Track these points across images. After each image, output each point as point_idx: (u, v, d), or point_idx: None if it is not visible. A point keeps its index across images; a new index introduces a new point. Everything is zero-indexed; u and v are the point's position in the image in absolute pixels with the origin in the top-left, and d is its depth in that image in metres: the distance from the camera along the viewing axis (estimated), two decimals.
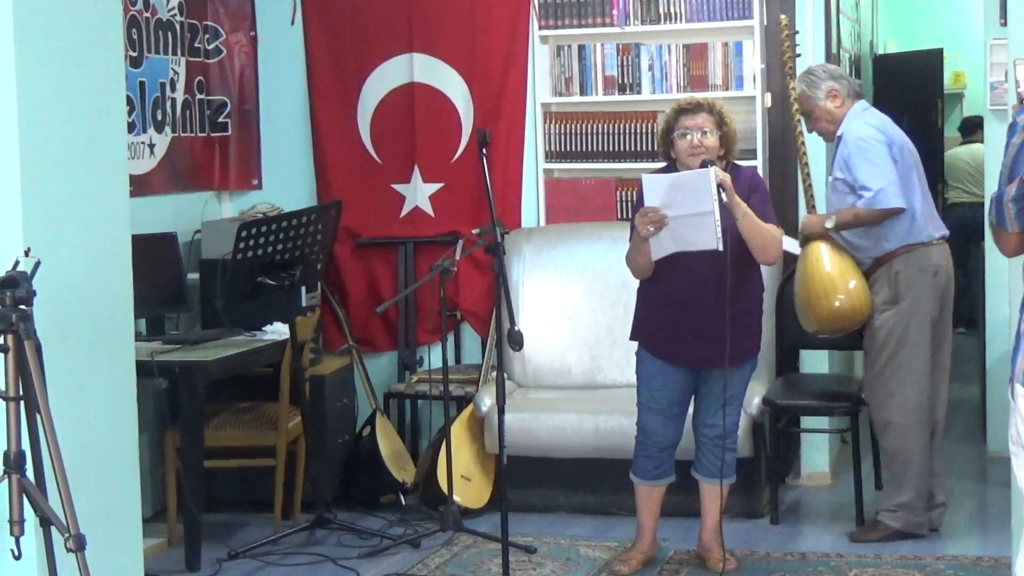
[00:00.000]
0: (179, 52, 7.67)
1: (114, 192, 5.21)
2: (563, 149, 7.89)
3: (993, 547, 6.46)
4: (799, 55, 6.98)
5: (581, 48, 7.87)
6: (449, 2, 7.96)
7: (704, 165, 5.91)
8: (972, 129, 12.36)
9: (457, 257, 7.04)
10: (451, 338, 7.95)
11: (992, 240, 4.25)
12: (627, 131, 7.77)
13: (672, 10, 7.72)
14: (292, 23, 8.18)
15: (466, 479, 7.19)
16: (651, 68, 7.77)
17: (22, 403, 4.21)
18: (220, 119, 8.04)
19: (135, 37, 7.23)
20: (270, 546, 6.73)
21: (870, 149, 6.50)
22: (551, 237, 7.78)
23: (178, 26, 7.65)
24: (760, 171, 7.41)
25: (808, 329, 6.74)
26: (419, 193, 8.06)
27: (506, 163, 7.90)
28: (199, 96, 7.85)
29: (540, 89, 7.91)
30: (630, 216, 6.28)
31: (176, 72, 7.64)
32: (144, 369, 6.02)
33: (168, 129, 7.55)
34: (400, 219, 8.09)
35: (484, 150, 6.13)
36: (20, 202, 4.66)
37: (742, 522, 6.92)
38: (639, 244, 5.99)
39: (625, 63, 7.80)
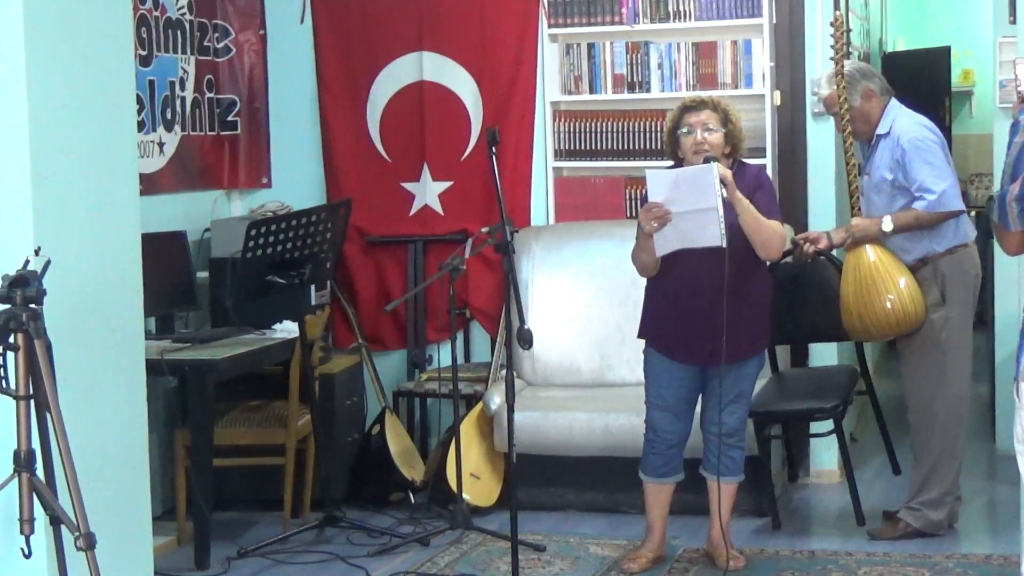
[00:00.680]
0: (189, 51, 7.68)
1: (124, 191, 5.21)
2: (573, 147, 7.89)
3: (1003, 545, 6.45)
4: (850, 54, 6.88)
5: (590, 46, 7.87)
6: (458, 0, 7.96)
7: (707, 161, 5.91)
8: None
9: (466, 255, 7.05)
10: (460, 336, 7.95)
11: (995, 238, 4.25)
12: (636, 129, 7.77)
13: (681, 8, 7.72)
14: (301, 21, 8.19)
15: (475, 477, 7.20)
16: (660, 66, 7.77)
17: (32, 402, 4.22)
18: (230, 118, 8.04)
19: (145, 36, 7.24)
20: (279, 544, 6.74)
21: (928, 150, 6.42)
22: (560, 235, 7.78)
23: (187, 25, 7.66)
24: (769, 169, 7.41)
25: (855, 335, 6.70)
26: (428, 191, 8.07)
27: (515, 161, 7.91)
28: (208, 95, 7.86)
29: (550, 87, 7.91)
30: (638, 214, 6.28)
31: (186, 71, 7.65)
32: (154, 368, 6.03)
33: (177, 128, 7.56)
34: (409, 217, 8.10)
35: (494, 148, 6.12)
36: (30, 201, 4.66)
37: (751, 520, 6.92)
38: (644, 240, 5.99)
39: (634, 61, 7.80)
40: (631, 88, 7.83)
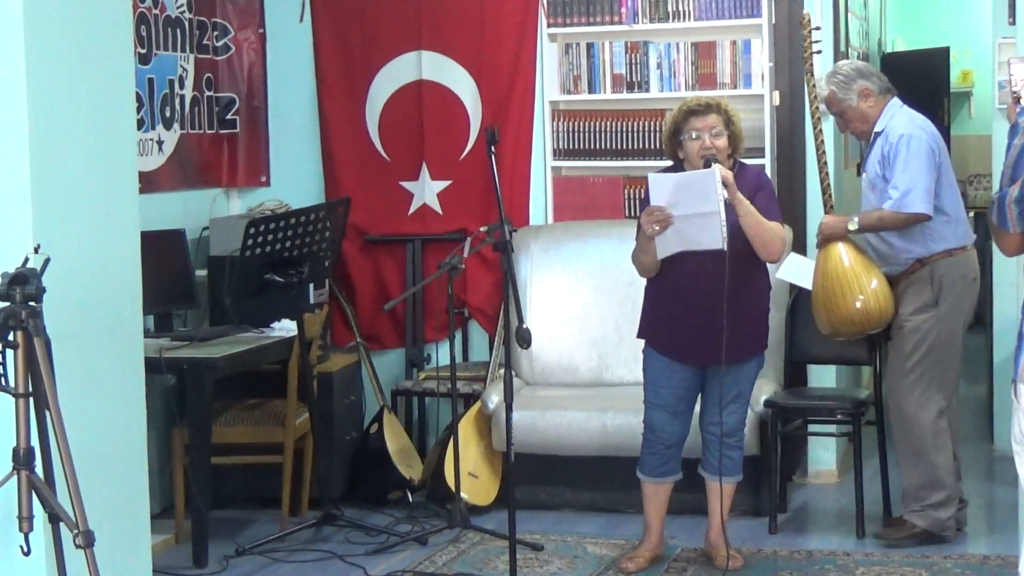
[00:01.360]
0: (188, 49, 7.68)
1: (124, 189, 5.21)
2: (571, 147, 7.90)
3: (1000, 546, 6.46)
4: (819, 52, 6.92)
5: (590, 46, 7.87)
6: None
7: (708, 163, 5.91)
8: None
9: (465, 254, 7.06)
10: (459, 335, 7.96)
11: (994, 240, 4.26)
12: (635, 129, 7.77)
13: (681, 8, 7.72)
14: (301, 20, 8.19)
15: (473, 476, 7.20)
16: (659, 66, 7.78)
17: (31, 399, 4.22)
18: (229, 116, 8.04)
19: (144, 34, 7.24)
20: (277, 543, 6.74)
21: (913, 149, 6.39)
22: (559, 235, 7.78)
23: (187, 23, 7.66)
24: (768, 169, 7.42)
25: (825, 332, 6.68)
26: (427, 190, 8.07)
27: (514, 161, 7.91)
28: (208, 93, 7.86)
29: (549, 87, 7.91)
30: (638, 214, 6.28)
31: (185, 69, 7.65)
32: (152, 366, 6.03)
33: (177, 126, 7.56)
34: (408, 216, 8.10)
35: (492, 148, 6.12)
36: (30, 199, 4.67)
37: (749, 520, 6.92)
38: (644, 243, 6.00)
39: (633, 61, 7.80)
40: (630, 88, 7.84)
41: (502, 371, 6.07)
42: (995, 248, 7.82)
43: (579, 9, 7.85)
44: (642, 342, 6.30)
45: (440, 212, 8.06)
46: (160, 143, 7.41)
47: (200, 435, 6.58)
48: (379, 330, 8.12)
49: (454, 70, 8.00)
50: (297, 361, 6.88)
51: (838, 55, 7.92)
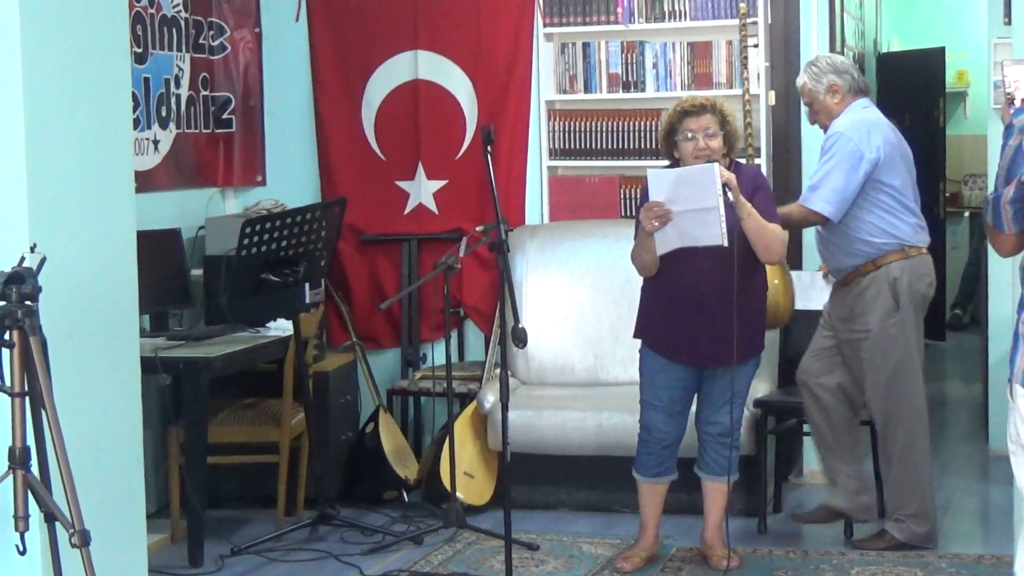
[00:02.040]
0: (184, 48, 7.68)
1: (120, 188, 5.21)
2: (567, 146, 7.90)
3: (995, 546, 6.46)
4: (755, 45, 6.88)
5: (585, 46, 7.88)
6: None
7: (707, 162, 5.91)
8: None
9: (461, 254, 7.05)
10: (454, 335, 7.96)
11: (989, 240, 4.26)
12: (631, 129, 7.77)
13: (676, 8, 7.72)
14: (297, 20, 8.19)
15: (469, 476, 7.20)
16: (655, 66, 7.78)
17: (27, 399, 4.22)
18: (225, 115, 8.04)
19: (140, 33, 7.24)
20: (273, 542, 6.74)
21: (835, 146, 6.33)
22: (555, 234, 7.78)
23: (183, 22, 7.65)
24: (763, 169, 7.41)
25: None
26: (423, 190, 8.07)
27: (510, 160, 7.91)
28: (204, 92, 7.86)
29: (544, 86, 7.91)
30: (634, 213, 6.28)
31: (181, 68, 7.65)
32: (148, 365, 6.02)
33: (172, 125, 7.56)
34: (404, 216, 8.10)
35: (488, 147, 6.13)
36: (26, 198, 4.67)
37: (745, 519, 6.92)
38: (644, 240, 5.99)
39: (629, 61, 7.81)
40: (626, 87, 7.84)
41: (498, 371, 6.08)
42: (991, 248, 7.89)
43: (575, 9, 7.85)
44: (638, 342, 6.31)
45: (436, 212, 8.06)
46: (156, 142, 7.41)
47: (196, 434, 6.58)
48: (375, 330, 8.13)
49: (450, 70, 8.00)
50: (293, 361, 6.88)
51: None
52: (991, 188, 4.21)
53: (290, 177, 8.24)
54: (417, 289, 7.88)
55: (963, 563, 6.28)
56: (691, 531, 6.59)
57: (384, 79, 8.09)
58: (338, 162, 8.16)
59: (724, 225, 5.75)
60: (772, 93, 7.66)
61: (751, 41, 6.81)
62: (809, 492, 7.56)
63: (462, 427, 7.25)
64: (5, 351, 4.21)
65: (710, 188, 5.76)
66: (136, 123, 7.06)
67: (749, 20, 7.45)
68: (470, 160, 7.92)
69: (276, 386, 7.02)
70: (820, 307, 6.84)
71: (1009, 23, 7.82)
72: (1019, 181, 3.92)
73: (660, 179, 5.89)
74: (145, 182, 7.06)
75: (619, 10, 7.80)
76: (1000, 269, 7.66)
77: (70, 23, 4.91)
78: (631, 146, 7.78)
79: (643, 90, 7.80)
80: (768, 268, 6.37)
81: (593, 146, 7.85)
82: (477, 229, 7.02)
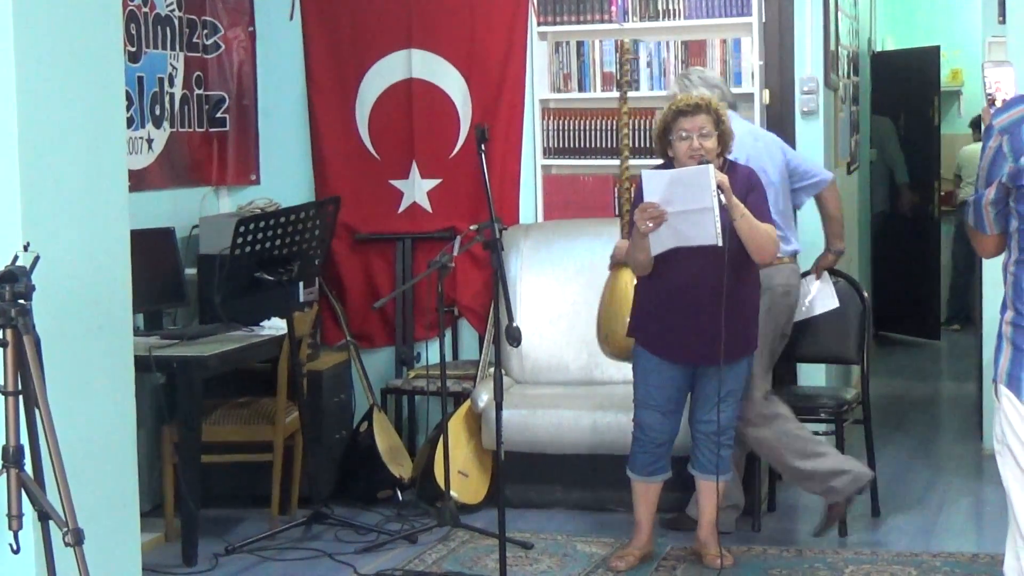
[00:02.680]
0: (178, 47, 7.67)
1: (113, 187, 5.21)
2: (561, 145, 7.90)
3: (989, 544, 6.46)
4: (636, 80, 6.89)
5: (580, 44, 7.88)
6: None
7: (701, 162, 5.91)
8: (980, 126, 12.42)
9: (455, 253, 7.05)
10: (449, 334, 7.96)
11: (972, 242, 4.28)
12: None
13: (670, 7, 7.73)
14: (291, 18, 8.18)
15: (463, 475, 7.20)
16: (649, 65, 7.78)
17: (21, 398, 4.21)
18: (218, 114, 8.04)
19: (134, 32, 7.24)
20: (267, 541, 6.73)
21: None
22: (549, 233, 7.78)
23: (177, 21, 7.65)
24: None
25: (606, 354, 6.77)
26: (417, 189, 8.07)
27: (504, 159, 7.91)
28: (197, 91, 7.86)
29: (539, 85, 7.92)
30: (630, 211, 6.28)
31: (175, 67, 7.64)
32: (142, 364, 6.02)
33: (166, 124, 7.55)
34: (398, 215, 8.10)
35: (482, 146, 6.13)
36: (19, 197, 4.66)
37: (738, 518, 6.91)
38: (638, 240, 5.99)
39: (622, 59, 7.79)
40: (620, 86, 7.82)
41: (492, 369, 6.08)
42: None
43: (569, 7, 7.85)
44: (632, 341, 6.31)
45: (430, 210, 8.06)
46: (150, 141, 7.41)
47: (190, 433, 6.58)
48: (369, 328, 8.12)
49: (444, 68, 8.00)
50: (287, 359, 6.88)
51: (828, 54, 7.93)
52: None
53: (284, 176, 8.24)
54: (411, 288, 7.88)
55: (958, 562, 6.29)
56: (686, 530, 6.59)
57: (378, 78, 8.08)
58: (332, 161, 8.15)
59: (719, 225, 5.75)
60: (767, 92, 7.66)
61: (631, 76, 6.84)
62: (803, 491, 7.56)
63: (456, 426, 7.25)
64: None
65: (705, 189, 5.76)
66: (130, 122, 7.05)
67: (744, 21, 7.51)
68: (464, 159, 7.92)
69: (270, 385, 7.02)
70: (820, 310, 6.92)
71: (1003, 22, 7.83)
72: (1000, 183, 3.93)
73: (655, 180, 5.89)
74: (139, 181, 7.06)
75: (613, 9, 7.80)
76: (994, 269, 7.61)
77: (63, 22, 4.91)
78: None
79: (637, 89, 7.79)
80: (625, 285, 6.48)
81: (587, 145, 7.85)
82: (471, 228, 7.03)
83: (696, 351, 6.10)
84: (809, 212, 7.65)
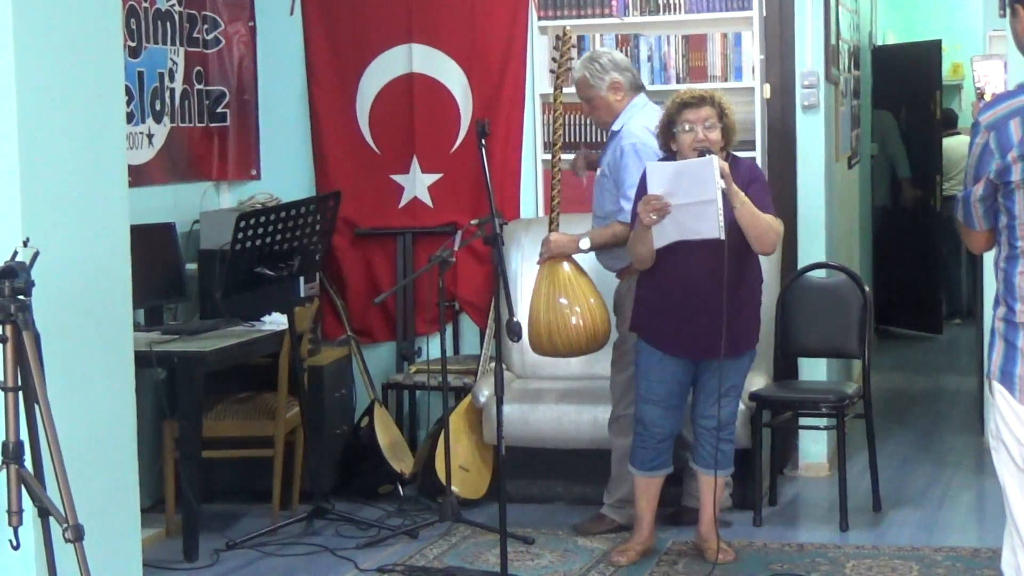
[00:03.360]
0: (178, 42, 7.66)
1: (113, 182, 5.21)
2: (562, 140, 7.87)
3: (991, 538, 6.45)
4: (570, 69, 6.87)
5: (580, 39, 7.85)
6: None
7: (702, 154, 5.90)
8: (952, 122, 12.45)
9: (456, 248, 7.04)
10: (449, 329, 7.95)
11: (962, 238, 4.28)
12: None
13: (671, 1, 7.71)
14: (291, 13, 8.17)
15: (464, 470, 7.19)
16: (650, 59, 7.77)
17: (21, 393, 4.21)
18: (219, 109, 8.03)
19: (134, 27, 7.23)
20: (268, 536, 6.73)
21: (645, 157, 6.35)
22: None
23: (177, 16, 7.64)
24: (758, 162, 7.40)
25: (541, 352, 6.77)
26: (418, 184, 8.06)
27: (505, 154, 7.90)
28: (198, 86, 7.85)
29: (539, 80, 7.90)
30: (633, 205, 6.27)
31: (175, 62, 7.63)
32: (143, 359, 6.02)
33: (167, 119, 7.54)
34: (399, 210, 8.09)
35: (483, 141, 6.13)
36: (19, 192, 4.66)
37: (740, 513, 6.91)
38: (641, 232, 5.98)
39: (625, 53, 7.77)
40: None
41: (493, 364, 6.07)
42: None
43: (570, 2, 7.84)
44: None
45: (431, 205, 8.05)
46: (150, 136, 7.40)
47: (190, 428, 6.57)
48: (370, 323, 8.12)
49: (445, 63, 7.99)
50: (288, 354, 6.88)
51: (829, 48, 7.92)
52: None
53: (284, 171, 8.23)
54: (412, 283, 7.88)
55: (959, 556, 6.28)
56: (687, 525, 6.58)
57: (378, 73, 8.07)
58: (333, 156, 8.14)
59: (722, 218, 5.74)
60: (767, 86, 7.65)
61: (570, 64, 6.82)
62: (804, 485, 7.57)
63: (457, 421, 7.24)
64: None
65: (708, 181, 5.75)
66: (130, 117, 7.05)
67: (745, 15, 7.51)
68: (465, 154, 7.91)
69: (271, 380, 7.01)
70: None
71: (1004, 15, 7.81)
72: (987, 179, 3.93)
73: (658, 172, 5.88)
74: (139, 176, 7.06)
75: (614, 3, 7.79)
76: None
77: (63, 17, 4.90)
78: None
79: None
80: (585, 286, 6.54)
81: (588, 139, 7.83)
82: (472, 223, 7.04)
83: (698, 345, 6.09)
84: (808, 211, 7.68)
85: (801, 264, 7.47)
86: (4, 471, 4.22)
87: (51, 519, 4.26)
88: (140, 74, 7.30)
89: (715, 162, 5.78)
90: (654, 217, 5.85)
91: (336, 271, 8.09)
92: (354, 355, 7.82)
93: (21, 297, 4.18)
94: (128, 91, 6.92)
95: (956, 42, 12.54)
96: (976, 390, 8.69)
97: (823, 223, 7.71)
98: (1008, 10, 4.05)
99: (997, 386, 4.01)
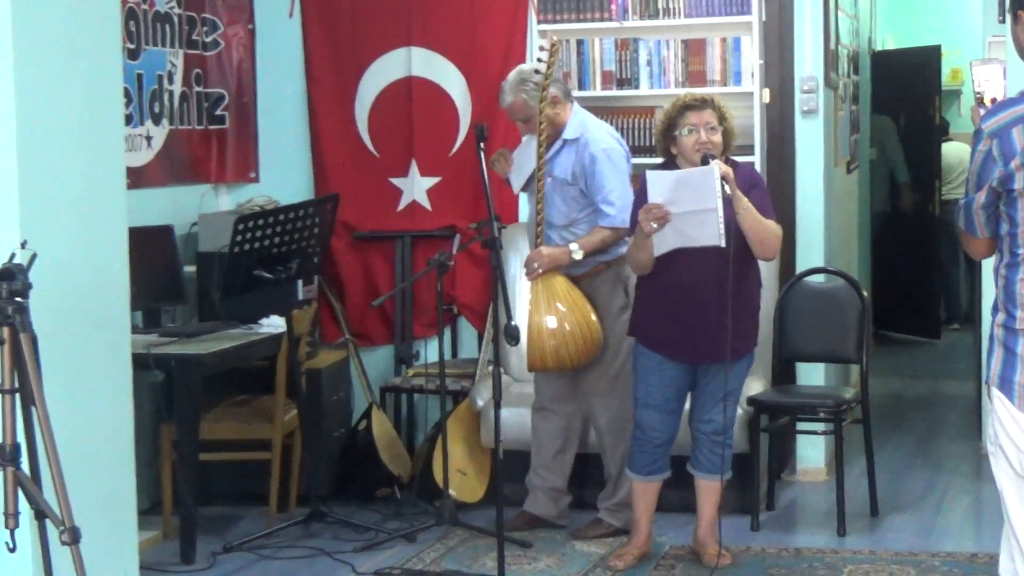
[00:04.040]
0: (177, 44, 7.66)
1: (111, 184, 5.21)
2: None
3: (988, 543, 6.45)
4: (557, 79, 6.83)
5: (579, 43, 7.86)
6: None
7: (705, 160, 5.90)
8: (945, 128, 12.45)
9: (454, 251, 7.06)
10: (447, 332, 7.94)
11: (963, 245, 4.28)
12: (625, 126, 7.75)
13: (671, 5, 7.71)
14: (290, 16, 8.17)
15: (462, 473, 7.19)
16: (649, 63, 7.77)
17: (18, 396, 4.21)
18: (218, 112, 8.03)
19: (133, 29, 7.23)
20: (265, 539, 6.73)
21: (615, 161, 6.46)
22: None
23: (176, 18, 7.64)
24: (757, 167, 7.40)
25: (541, 369, 6.69)
26: (416, 187, 8.06)
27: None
28: (197, 89, 7.85)
29: None
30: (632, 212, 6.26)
31: (174, 64, 7.63)
32: (140, 362, 6.02)
33: (165, 122, 7.54)
34: (397, 213, 8.09)
35: (482, 144, 6.13)
36: (17, 194, 4.66)
37: (737, 518, 6.91)
38: (641, 240, 5.98)
39: (623, 58, 7.79)
40: (620, 85, 7.82)
41: (490, 368, 6.07)
42: None
43: (569, 5, 7.84)
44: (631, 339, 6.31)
45: (429, 209, 8.05)
46: (149, 139, 7.40)
47: (188, 431, 6.57)
48: (368, 327, 8.11)
49: (444, 66, 7.99)
50: (285, 357, 6.87)
51: (828, 53, 7.92)
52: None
53: (283, 174, 8.22)
54: (410, 286, 7.88)
55: (957, 561, 6.28)
56: (684, 529, 6.58)
57: (378, 76, 8.07)
58: (331, 159, 8.14)
59: (722, 226, 5.74)
60: (766, 91, 7.64)
61: (556, 74, 6.79)
62: (802, 490, 7.57)
63: (455, 424, 7.24)
64: None
65: (709, 189, 5.75)
66: (129, 119, 7.04)
67: (744, 19, 7.52)
68: (464, 157, 7.91)
69: (269, 383, 7.01)
70: None
71: (1004, 21, 7.81)
72: (990, 187, 3.93)
73: (659, 180, 5.88)
74: (138, 178, 7.06)
75: (613, 7, 7.79)
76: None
77: (62, 19, 4.90)
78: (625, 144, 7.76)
79: (637, 87, 7.78)
80: (581, 297, 6.49)
81: None
82: (470, 226, 7.05)
83: (697, 349, 6.09)
84: (807, 216, 7.68)
85: (800, 269, 7.47)
86: (1, 473, 4.21)
87: (48, 522, 4.26)
88: (139, 76, 7.30)
89: (716, 170, 5.78)
90: (655, 226, 5.84)
91: (334, 274, 8.09)
92: (352, 358, 7.82)
93: (19, 299, 4.18)
94: (127, 93, 6.92)
95: (955, 47, 12.54)
96: (974, 395, 8.69)
97: (822, 228, 7.71)
98: (1008, 15, 4.05)
99: (996, 392, 4.01)
